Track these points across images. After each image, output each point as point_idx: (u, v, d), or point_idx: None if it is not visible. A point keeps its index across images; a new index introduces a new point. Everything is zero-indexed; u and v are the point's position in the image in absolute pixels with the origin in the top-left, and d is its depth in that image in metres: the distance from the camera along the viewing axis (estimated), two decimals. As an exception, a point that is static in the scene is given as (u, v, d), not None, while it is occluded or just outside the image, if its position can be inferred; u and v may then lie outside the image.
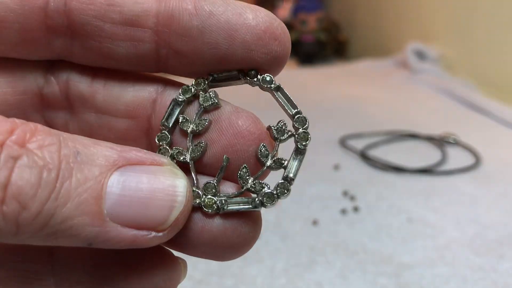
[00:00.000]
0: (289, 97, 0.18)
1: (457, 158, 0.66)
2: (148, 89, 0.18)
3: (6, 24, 0.16)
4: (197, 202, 0.17)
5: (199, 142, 0.18)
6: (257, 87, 0.18)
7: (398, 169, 0.62)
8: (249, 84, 0.18)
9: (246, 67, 0.17)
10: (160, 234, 0.15)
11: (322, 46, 1.45)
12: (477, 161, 0.65)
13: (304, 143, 0.17)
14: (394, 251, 0.46)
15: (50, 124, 0.17)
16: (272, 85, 0.18)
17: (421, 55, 1.14)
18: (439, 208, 0.53)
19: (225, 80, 0.18)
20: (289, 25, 1.52)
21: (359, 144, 0.70)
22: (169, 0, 0.17)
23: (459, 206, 0.54)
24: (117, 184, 0.14)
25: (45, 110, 0.19)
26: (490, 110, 0.84)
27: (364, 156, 0.66)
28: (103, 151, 0.15)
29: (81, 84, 0.18)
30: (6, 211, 0.13)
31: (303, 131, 0.18)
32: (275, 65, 0.17)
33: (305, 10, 1.43)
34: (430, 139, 0.73)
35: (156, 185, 0.15)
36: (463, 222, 0.50)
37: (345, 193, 0.56)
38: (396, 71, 1.15)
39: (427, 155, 0.68)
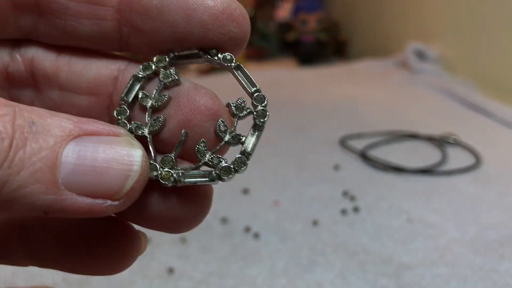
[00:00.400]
0: (249, 76, 0.18)
1: (457, 158, 0.66)
2: (110, 67, 0.19)
3: None
4: (154, 174, 0.17)
5: (158, 117, 0.18)
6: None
7: (398, 169, 0.62)
8: (210, 62, 0.18)
9: (205, 46, 0.18)
10: (116, 203, 0.15)
11: (322, 46, 1.45)
12: (477, 161, 0.65)
13: (262, 120, 0.18)
14: (394, 251, 0.46)
15: (16, 101, 0.17)
16: (232, 64, 0.18)
17: (421, 55, 1.14)
18: (439, 208, 0.53)
19: (186, 58, 0.18)
20: (289, 25, 1.52)
21: (359, 144, 0.70)
22: None
23: (460, 206, 0.54)
24: (72, 153, 0.15)
25: (11, 88, 0.19)
26: (490, 110, 0.84)
27: (364, 156, 0.66)
28: (60, 122, 0.15)
29: (45, 62, 0.19)
30: None
31: (262, 109, 0.18)
32: (233, 46, 0.18)
33: (305, 10, 1.43)
34: (430, 139, 0.73)
35: (112, 155, 0.15)
36: (464, 222, 0.50)
37: (345, 193, 0.56)
38: (396, 71, 1.15)
39: (427, 155, 0.68)
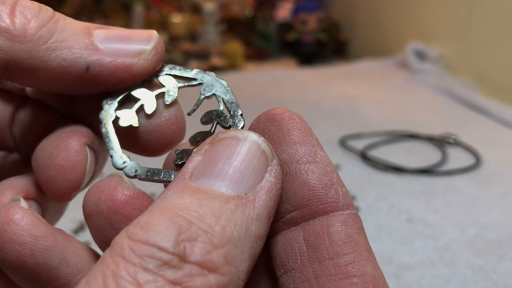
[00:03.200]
0: None
1: (457, 158, 0.66)
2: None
3: None
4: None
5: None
6: None
7: (398, 169, 0.62)
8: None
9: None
10: (149, 57, 0.19)
11: (322, 46, 1.45)
12: (477, 162, 0.65)
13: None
14: (394, 251, 0.46)
15: None
16: None
17: (421, 55, 1.14)
18: (439, 208, 0.53)
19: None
20: (289, 25, 1.52)
21: (359, 144, 0.70)
22: None
23: (459, 207, 0.54)
24: (100, 32, 0.18)
25: None
26: (490, 110, 0.84)
27: (364, 156, 0.66)
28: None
29: None
30: (17, 20, 0.16)
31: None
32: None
33: (305, 10, 1.42)
34: (430, 139, 0.73)
35: (131, 31, 0.19)
36: (463, 223, 0.50)
37: (345, 193, 0.56)
38: (396, 71, 1.15)
39: (427, 155, 0.68)
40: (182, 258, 0.13)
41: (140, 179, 0.19)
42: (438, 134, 0.74)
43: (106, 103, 0.19)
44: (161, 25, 1.57)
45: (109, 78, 0.18)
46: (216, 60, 1.37)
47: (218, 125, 0.20)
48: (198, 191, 0.15)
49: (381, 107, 0.91)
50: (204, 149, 0.16)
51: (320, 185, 0.16)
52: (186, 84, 0.21)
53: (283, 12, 1.60)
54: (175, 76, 0.21)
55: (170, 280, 0.13)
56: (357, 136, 0.74)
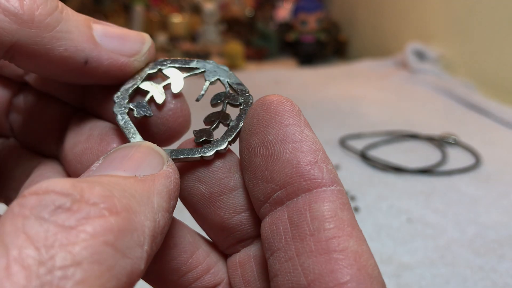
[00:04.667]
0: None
1: (457, 158, 0.66)
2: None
3: None
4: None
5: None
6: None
7: (398, 169, 0.62)
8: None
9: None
10: (140, 60, 0.20)
11: (322, 46, 1.45)
12: (477, 162, 0.65)
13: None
14: (394, 251, 0.46)
15: None
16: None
17: (421, 55, 1.14)
18: (439, 208, 0.53)
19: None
20: (289, 25, 1.52)
21: (359, 145, 0.70)
22: None
23: (459, 207, 0.54)
24: (98, 28, 0.19)
25: None
26: (490, 110, 0.84)
27: (364, 156, 0.66)
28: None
29: None
30: (25, 5, 0.17)
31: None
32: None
33: (305, 10, 1.42)
34: (430, 139, 0.73)
35: (127, 31, 0.20)
36: (463, 223, 0.50)
37: (345, 193, 0.56)
38: (396, 71, 1.15)
39: (427, 155, 0.68)
40: (79, 199, 0.12)
41: None
42: (438, 134, 0.74)
43: (118, 97, 0.20)
44: (161, 25, 1.57)
45: (104, 74, 0.19)
46: (216, 60, 1.37)
47: (228, 105, 0.20)
48: (96, 177, 0.15)
49: (381, 107, 0.91)
50: (99, 162, 0.16)
51: (303, 163, 0.16)
52: (190, 73, 0.21)
53: (283, 12, 1.61)
54: (178, 68, 0.21)
55: (63, 225, 0.12)
56: (357, 136, 0.74)
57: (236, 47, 1.35)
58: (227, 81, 0.21)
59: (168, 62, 0.21)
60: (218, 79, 0.21)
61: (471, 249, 0.46)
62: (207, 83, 0.21)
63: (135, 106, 0.20)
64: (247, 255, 0.19)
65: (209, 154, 0.18)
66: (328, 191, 0.16)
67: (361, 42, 1.52)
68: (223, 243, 0.19)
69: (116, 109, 0.20)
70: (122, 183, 0.14)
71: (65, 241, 0.11)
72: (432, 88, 1.01)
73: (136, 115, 0.20)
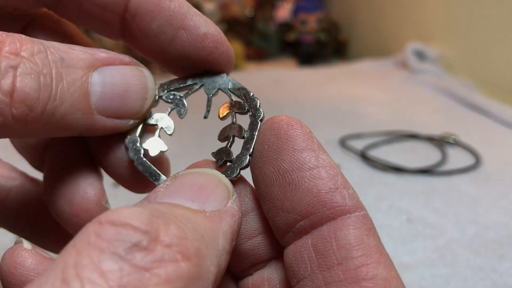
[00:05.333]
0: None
1: (457, 158, 0.66)
2: None
3: None
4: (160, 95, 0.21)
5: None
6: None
7: (398, 169, 0.62)
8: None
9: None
10: (137, 121, 0.19)
11: (322, 46, 1.45)
12: (477, 162, 0.65)
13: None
14: (394, 251, 0.46)
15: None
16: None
17: (421, 55, 1.14)
18: (439, 208, 0.53)
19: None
20: (289, 25, 1.52)
21: (359, 144, 0.70)
22: None
23: (459, 206, 0.54)
24: (97, 82, 0.17)
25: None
26: (490, 110, 0.84)
27: (364, 156, 0.66)
28: (80, 55, 0.17)
29: None
30: (15, 113, 0.15)
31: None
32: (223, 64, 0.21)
33: (305, 10, 1.42)
34: (430, 139, 0.73)
35: (130, 81, 0.18)
36: (463, 222, 0.50)
37: (345, 193, 0.56)
38: (396, 71, 1.15)
39: (427, 155, 0.68)
40: (155, 238, 0.12)
41: None
42: (438, 134, 0.74)
43: (129, 141, 0.20)
44: (161, 25, 1.57)
45: (100, 133, 0.19)
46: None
47: (237, 114, 0.20)
48: (166, 203, 0.15)
49: (381, 107, 0.91)
50: (166, 183, 0.16)
51: (324, 191, 0.16)
52: (189, 91, 0.21)
53: (283, 12, 1.60)
54: (176, 90, 0.21)
55: (138, 265, 0.12)
56: (357, 136, 0.74)
57: (236, 47, 1.35)
58: (228, 89, 0.20)
59: (166, 86, 0.21)
60: (219, 89, 0.21)
61: (471, 249, 0.46)
62: (209, 96, 0.21)
63: (149, 146, 0.20)
64: (261, 278, 0.18)
65: (234, 176, 0.18)
66: (353, 217, 0.15)
67: (361, 42, 1.52)
68: (237, 267, 0.19)
69: (131, 154, 0.20)
70: (192, 219, 0.14)
71: (138, 284, 0.12)
72: (432, 88, 1.01)
73: (151, 155, 0.20)
